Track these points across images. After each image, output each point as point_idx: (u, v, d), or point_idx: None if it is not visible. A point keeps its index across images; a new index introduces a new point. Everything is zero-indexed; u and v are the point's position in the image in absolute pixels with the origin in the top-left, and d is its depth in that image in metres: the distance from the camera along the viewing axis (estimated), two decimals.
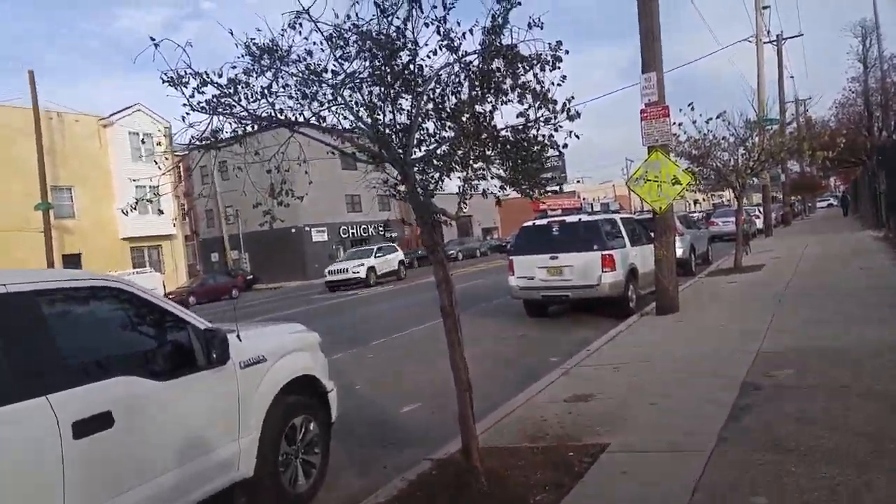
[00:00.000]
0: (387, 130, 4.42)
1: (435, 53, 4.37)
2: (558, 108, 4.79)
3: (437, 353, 9.78)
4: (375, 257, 31.44)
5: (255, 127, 4.64)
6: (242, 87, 4.36)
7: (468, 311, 14.45)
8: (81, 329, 3.28)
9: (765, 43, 30.77)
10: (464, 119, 4.79)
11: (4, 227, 27.92)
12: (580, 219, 11.76)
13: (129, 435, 3.13)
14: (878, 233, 19.95)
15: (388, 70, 4.36)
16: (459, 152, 4.78)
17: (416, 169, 4.52)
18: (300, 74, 4.43)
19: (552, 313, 12.65)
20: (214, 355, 3.74)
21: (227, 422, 3.90)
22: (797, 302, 9.55)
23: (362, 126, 4.41)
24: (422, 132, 4.65)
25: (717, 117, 15.00)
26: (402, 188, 4.63)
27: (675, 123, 14.56)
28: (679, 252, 16.22)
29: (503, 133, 4.95)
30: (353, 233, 48.44)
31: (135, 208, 4.23)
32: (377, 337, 11.96)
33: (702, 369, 6.42)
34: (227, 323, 4.38)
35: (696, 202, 76.33)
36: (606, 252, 11.11)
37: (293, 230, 43.55)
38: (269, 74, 4.41)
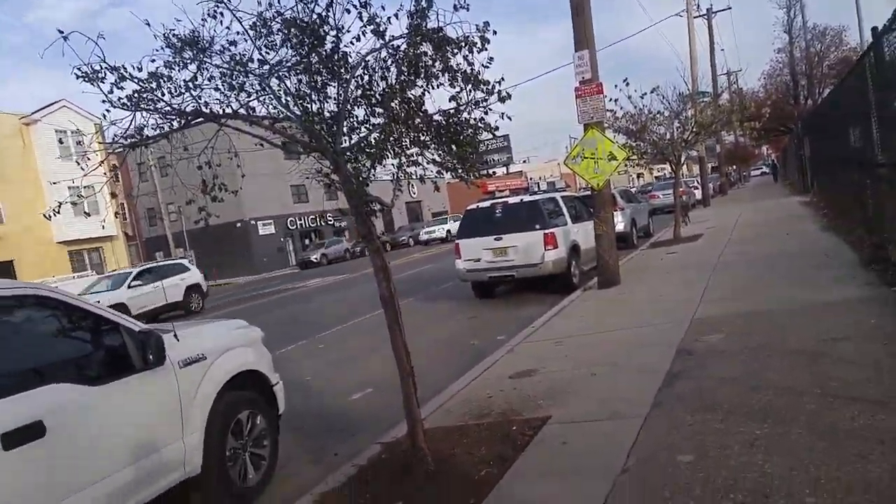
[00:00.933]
0: (315, 119, 4.41)
1: (359, 39, 4.37)
2: (490, 89, 4.87)
3: (385, 339, 9.86)
4: (129, 288, 19.42)
5: (181, 122, 4.55)
6: (165, 81, 4.26)
7: (418, 297, 14.61)
8: (7, 339, 3.21)
9: (695, 17, 31.60)
10: (393, 105, 4.82)
11: None
12: (522, 199, 11.95)
13: (64, 442, 3.09)
14: (805, 198, 20.87)
15: (315, 57, 4.35)
16: (391, 139, 4.82)
17: (347, 157, 4.54)
18: (225, 66, 4.37)
19: (499, 293, 12.85)
20: (150, 356, 3.70)
21: (169, 421, 3.88)
22: (729, 270, 9.93)
23: (291, 116, 4.39)
24: (351, 119, 4.66)
25: (652, 92, 15.41)
26: (334, 177, 4.64)
27: (611, 100, 14.92)
28: (620, 226, 16.69)
29: (436, 117, 5.00)
30: (300, 224, 47.87)
31: (58, 212, 4.12)
32: (328, 327, 11.93)
33: (640, 339, 6.66)
34: (165, 323, 4.35)
35: (639, 176, 78.01)
36: (548, 231, 11.32)
37: (238, 224, 42.80)
38: (192, 67, 4.34)
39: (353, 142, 4.55)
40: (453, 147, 5.10)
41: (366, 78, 4.61)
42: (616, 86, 14.57)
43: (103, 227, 28.84)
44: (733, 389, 4.49)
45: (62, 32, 3.73)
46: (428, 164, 5.28)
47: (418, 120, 4.99)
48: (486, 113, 5.00)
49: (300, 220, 47.86)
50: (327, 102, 4.41)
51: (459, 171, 5.29)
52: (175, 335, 4.06)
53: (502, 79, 4.87)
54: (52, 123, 32.54)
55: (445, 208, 67.15)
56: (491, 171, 5.58)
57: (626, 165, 19.52)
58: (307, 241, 47.42)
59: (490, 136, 5.36)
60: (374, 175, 4.71)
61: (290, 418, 6.52)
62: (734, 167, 56.23)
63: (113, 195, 31.75)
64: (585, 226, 12.27)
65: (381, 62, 4.61)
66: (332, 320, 12.71)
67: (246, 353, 4.78)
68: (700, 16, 34.29)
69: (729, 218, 19.48)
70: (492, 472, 4.00)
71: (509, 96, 4.97)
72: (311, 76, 4.41)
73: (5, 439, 2.82)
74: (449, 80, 4.78)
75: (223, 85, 4.50)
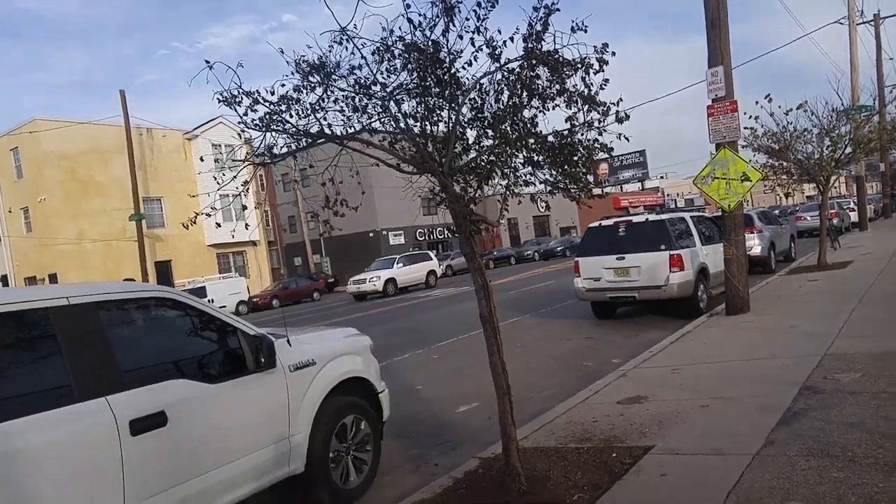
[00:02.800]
0: (426, 141, 4.58)
1: (471, 64, 4.48)
2: (606, 110, 4.82)
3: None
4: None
5: (307, 142, 4.88)
6: (293, 104, 4.60)
7: (536, 312, 14.52)
8: (137, 336, 3.62)
9: (858, 24, 29.01)
10: (504, 127, 4.90)
11: (104, 237, 30.03)
12: (647, 218, 11.57)
13: (182, 432, 3.44)
14: None
15: (434, 79, 4.51)
16: (500, 160, 4.89)
17: (456, 178, 4.67)
18: (349, 89, 4.65)
19: (620, 315, 12.49)
20: (262, 360, 4.01)
21: (277, 421, 4.17)
22: (879, 304, 9.05)
23: (406, 137, 4.58)
24: (463, 141, 4.79)
25: (798, 108, 14.37)
26: (444, 195, 4.78)
27: (751, 117, 14.10)
28: (757, 250, 15.71)
29: (550, 139, 5.01)
30: (428, 235, 49.09)
31: (194, 222, 4.58)
32: (444, 338, 12.17)
33: (762, 372, 6.24)
34: (282, 328, 4.68)
35: (787, 195, 72.60)
36: (674, 252, 10.88)
37: (371, 234, 44.67)
38: (318, 90, 4.66)
39: (462, 162, 4.67)
40: (566, 167, 5.10)
41: (479, 101, 4.73)
42: (757, 102, 13.73)
43: (233, 231, 30.88)
44: (860, 436, 4.11)
45: (209, 62, 4.16)
46: (540, 183, 5.31)
47: (531, 141, 5.04)
48: (600, 133, 4.96)
49: (429, 231, 49.08)
50: (439, 125, 4.56)
51: (572, 190, 5.27)
52: (288, 340, 4.37)
53: (620, 99, 4.81)
54: (209, 138, 35.75)
55: (574, 223, 66.16)
56: (604, 192, 5.41)
57: (771, 185, 18.44)
58: (434, 252, 48.54)
59: (606, 155, 5.29)
60: (480, 195, 4.80)
61: (397, 425, 6.76)
62: None
63: (258, 205, 34.28)
64: (716, 248, 11.65)
65: (495, 85, 4.70)
66: (449, 332, 12.94)
67: (354, 361, 5.02)
68: (865, 22, 31.45)
69: (887, 244, 17.68)
70: (583, 498, 3.94)
71: (627, 117, 4.90)
72: (426, 99, 4.59)
73: (133, 426, 3.19)
74: (565, 101, 4.79)
75: (347, 107, 4.79)
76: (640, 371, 7.31)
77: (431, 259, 33.30)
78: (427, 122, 4.60)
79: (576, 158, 5.15)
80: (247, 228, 5.98)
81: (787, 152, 14.89)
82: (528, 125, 4.87)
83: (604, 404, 6.08)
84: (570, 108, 4.86)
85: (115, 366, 3.29)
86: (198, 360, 3.85)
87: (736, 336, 8.42)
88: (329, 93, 4.68)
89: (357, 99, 4.70)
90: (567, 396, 6.67)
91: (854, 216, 29.65)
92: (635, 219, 11.67)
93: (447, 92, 4.52)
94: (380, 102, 4.67)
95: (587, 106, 4.80)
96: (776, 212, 33.52)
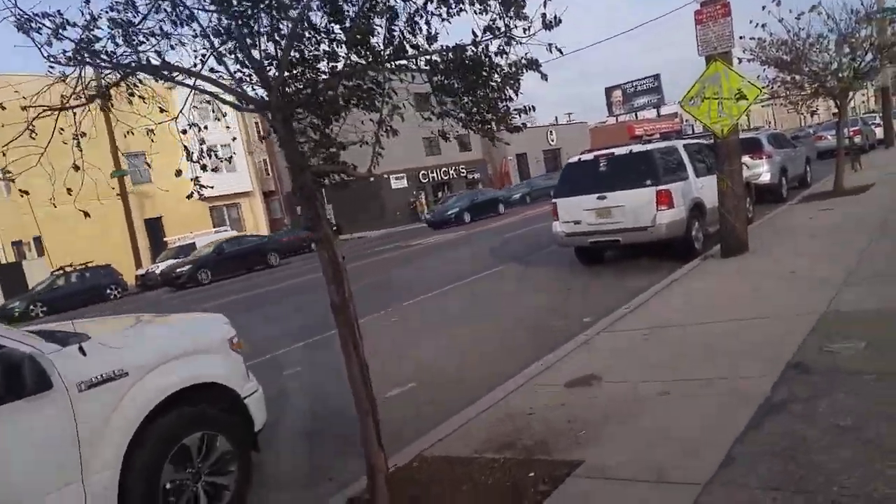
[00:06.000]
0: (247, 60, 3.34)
1: None
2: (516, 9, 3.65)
3: (461, 316, 8.90)
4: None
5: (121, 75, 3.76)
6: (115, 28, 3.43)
7: (522, 260, 13.33)
8: None
9: None
10: (375, 43, 3.68)
11: (88, 196, 29.00)
12: (631, 150, 10.14)
13: None
14: None
15: None
16: (364, 87, 3.65)
17: (300, 113, 3.43)
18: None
19: (609, 259, 11.24)
20: (20, 382, 2.91)
21: (58, 462, 3.10)
22: None
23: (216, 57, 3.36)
24: (308, 62, 3.52)
25: (811, 10, 12.58)
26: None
27: (757, 25, 12.40)
28: (766, 177, 14.25)
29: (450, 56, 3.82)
30: (433, 177, 47.56)
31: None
32: (413, 295, 11.05)
33: (745, 338, 5.04)
34: (81, 320, 3.57)
35: (812, 114, 69.26)
36: (662, 187, 9.51)
37: (372, 178, 43.27)
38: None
39: (299, 90, 3.41)
40: (477, 93, 3.92)
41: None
42: (763, 7, 12.02)
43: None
44: (852, 453, 2.92)
45: None
46: (437, 116, 4.08)
47: (423, 60, 3.83)
48: (507, 44, 3.77)
49: (432, 173, 47.51)
50: (259, 38, 3.30)
51: (489, 119, 4.09)
52: (81, 347, 3.24)
53: None
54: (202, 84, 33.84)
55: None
56: (521, 124, 4.10)
57: (783, 103, 16.71)
58: (439, 195, 47.10)
59: (539, 74, 4.01)
60: (334, 135, 3.57)
61: (318, 418, 5.78)
62: None
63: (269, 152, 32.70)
64: (714, 180, 10.27)
65: None
66: (423, 286, 11.82)
67: (201, 362, 3.92)
68: None
69: None
70: None
71: (558, 21, 3.66)
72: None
73: None
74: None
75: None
76: (607, 336, 6.16)
77: None
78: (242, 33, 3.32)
79: (493, 83, 3.97)
80: (204, 170, 4.75)
81: (799, 63, 13.22)
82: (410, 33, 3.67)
83: (549, 387, 4.96)
84: (484, 13, 3.70)
85: None
86: None
87: (726, 286, 7.18)
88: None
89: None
90: (515, 373, 5.57)
91: (879, 132, 27.56)
92: (618, 151, 10.24)
93: None
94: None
95: (511, 9, 3.61)
96: (799, 133, 31.46)
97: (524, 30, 3.65)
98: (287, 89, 3.30)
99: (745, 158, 11.99)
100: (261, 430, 4.30)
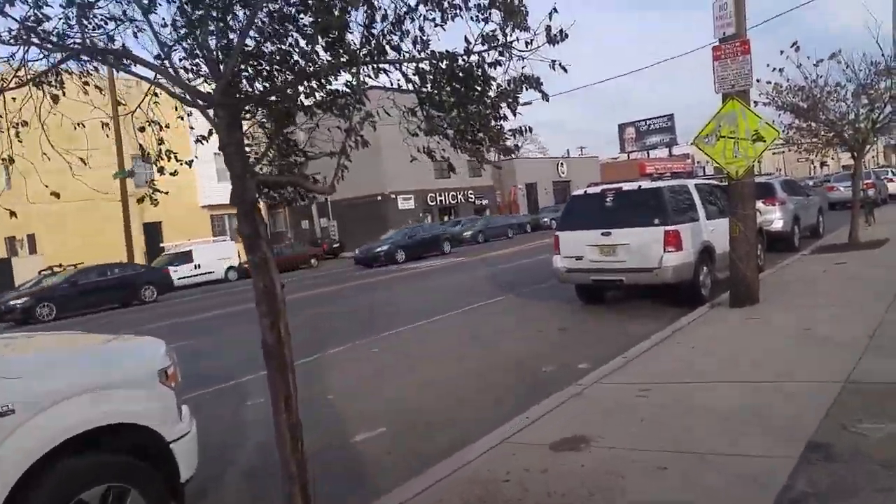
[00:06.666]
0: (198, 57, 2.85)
1: None
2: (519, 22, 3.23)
3: (444, 353, 8.29)
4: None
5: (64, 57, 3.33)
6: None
7: (519, 291, 12.79)
8: None
9: None
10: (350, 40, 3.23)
11: (87, 196, 28.57)
12: (640, 186, 9.64)
13: None
14: None
15: None
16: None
17: (251, 111, 2.93)
18: None
19: (610, 299, 10.67)
20: None
21: None
22: None
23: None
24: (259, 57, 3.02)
25: (831, 58, 12.21)
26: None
27: (774, 69, 11.99)
28: (778, 224, 13.71)
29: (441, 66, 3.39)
30: (440, 200, 47.12)
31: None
32: (401, 323, 10.49)
33: (756, 405, 4.47)
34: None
35: (822, 164, 68.74)
36: (671, 227, 8.98)
37: (379, 197, 42.85)
38: None
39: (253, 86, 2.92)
40: (468, 107, 3.46)
41: None
42: (782, 52, 11.66)
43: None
44: None
45: None
46: (424, 132, 3.59)
47: (411, 68, 3.38)
48: (504, 56, 3.34)
49: (440, 196, 47.08)
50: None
51: (480, 139, 3.64)
52: None
53: (554, 10, 3.18)
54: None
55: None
56: (514, 145, 3.57)
57: (797, 151, 16.27)
58: (445, 219, 46.65)
59: (538, 93, 3.55)
60: (302, 144, 3.06)
61: (268, 462, 5.15)
62: None
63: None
64: (726, 223, 9.75)
65: None
66: (411, 314, 11.27)
67: (119, 398, 3.31)
68: None
69: None
70: None
71: (565, 36, 3.22)
72: None
73: None
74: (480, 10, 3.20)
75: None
76: (601, 388, 5.58)
77: None
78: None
79: (487, 98, 3.52)
80: (162, 173, 4.21)
81: (816, 111, 12.79)
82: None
83: (531, 447, 4.37)
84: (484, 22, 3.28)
85: None
86: None
87: (735, 339, 6.61)
88: None
89: None
90: (498, 424, 4.99)
91: (893, 187, 27.08)
92: (626, 186, 9.74)
93: None
94: None
95: (513, 20, 3.19)
96: (809, 182, 31.01)
97: (526, 43, 3.21)
98: (239, 83, 2.81)
99: (758, 204, 11.51)
100: (188, 480, 3.68)
